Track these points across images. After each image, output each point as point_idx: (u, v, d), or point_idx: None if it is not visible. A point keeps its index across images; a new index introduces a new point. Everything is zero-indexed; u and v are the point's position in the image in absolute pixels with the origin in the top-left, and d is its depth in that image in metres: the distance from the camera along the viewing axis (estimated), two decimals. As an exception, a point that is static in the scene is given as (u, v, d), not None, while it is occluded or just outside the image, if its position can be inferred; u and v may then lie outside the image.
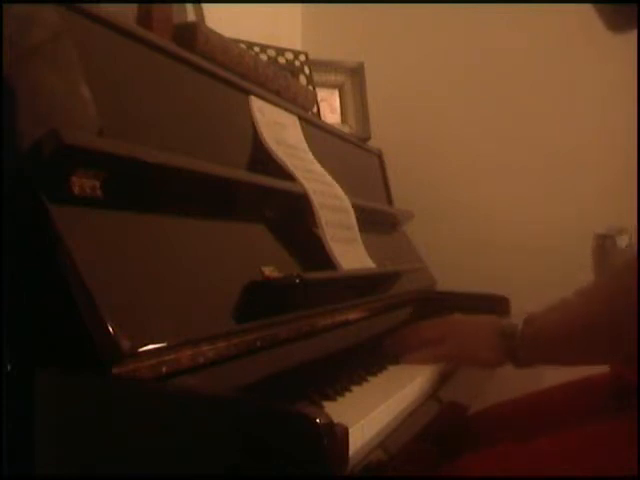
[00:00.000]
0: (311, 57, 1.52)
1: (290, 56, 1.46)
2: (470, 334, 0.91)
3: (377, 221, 1.25)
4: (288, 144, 0.95)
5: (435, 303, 1.27)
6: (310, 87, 1.45)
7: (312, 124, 1.11)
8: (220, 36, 0.95)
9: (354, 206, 0.99)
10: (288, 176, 0.87)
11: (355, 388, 0.73)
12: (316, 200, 0.88)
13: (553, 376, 1.01)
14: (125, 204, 0.59)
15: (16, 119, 0.56)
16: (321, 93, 1.55)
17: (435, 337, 0.91)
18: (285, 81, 1.11)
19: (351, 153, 1.32)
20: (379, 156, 1.48)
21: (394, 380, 0.79)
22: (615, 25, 0.75)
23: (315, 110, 1.41)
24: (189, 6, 1.27)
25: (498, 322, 0.88)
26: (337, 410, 0.60)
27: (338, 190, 0.98)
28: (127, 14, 0.87)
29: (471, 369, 0.97)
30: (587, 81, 1.59)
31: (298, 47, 1.68)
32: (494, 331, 0.85)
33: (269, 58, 1.40)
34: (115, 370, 0.50)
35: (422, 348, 0.90)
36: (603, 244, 1.31)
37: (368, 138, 1.60)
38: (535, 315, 0.82)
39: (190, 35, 0.88)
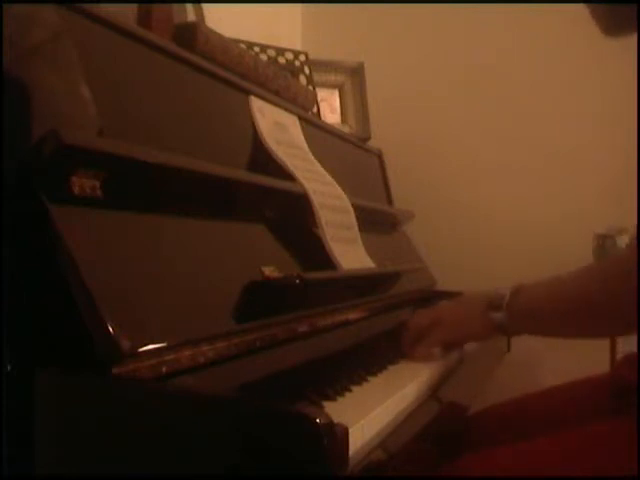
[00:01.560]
0: (311, 57, 1.52)
1: (290, 56, 1.46)
2: (460, 311, 0.92)
3: (377, 221, 1.25)
4: (288, 144, 0.95)
5: (435, 303, 1.27)
6: (310, 87, 1.45)
7: (312, 124, 1.11)
8: (220, 36, 0.95)
9: (354, 206, 0.99)
10: (288, 176, 0.87)
11: (355, 388, 0.73)
12: (316, 200, 0.88)
13: (553, 376, 1.01)
14: (125, 204, 0.59)
15: (16, 119, 0.56)
16: (321, 93, 1.55)
17: (427, 323, 0.91)
18: (285, 81, 1.11)
19: (351, 153, 1.32)
20: (379, 156, 1.48)
21: (394, 380, 0.79)
22: (611, 29, 0.75)
23: (315, 110, 1.41)
24: (189, 6, 1.28)
25: (486, 294, 0.88)
26: (337, 410, 0.60)
27: (338, 190, 0.98)
28: (127, 14, 0.87)
29: (471, 369, 0.97)
30: (587, 81, 1.59)
31: (298, 47, 1.68)
32: (481, 303, 0.86)
33: (269, 58, 1.40)
34: (115, 370, 0.50)
35: (419, 339, 0.91)
36: (603, 244, 1.31)
37: (368, 138, 1.60)
38: (523, 286, 0.84)
39: (190, 35, 0.88)
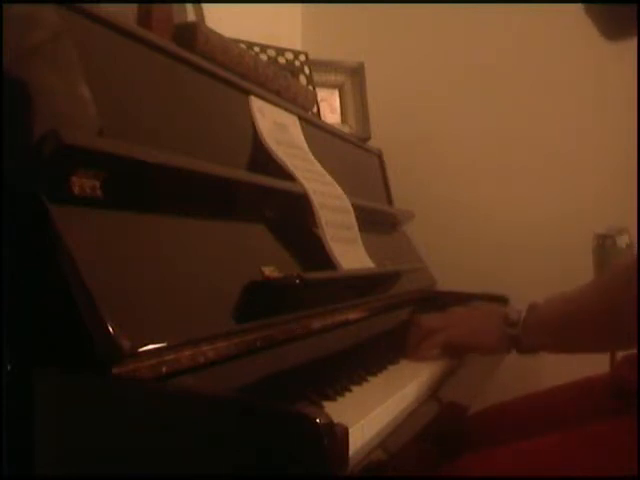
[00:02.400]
0: (311, 57, 1.52)
1: (290, 56, 1.46)
2: (474, 321, 0.92)
3: (377, 221, 1.25)
4: (288, 144, 0.95)
5: (435, 303, 1.27)
6: (310, 87, 1.45)
7: (312, 124, 1.11)
8: (220, 36, 0.95)
9: (354, 206, 0.99)
10: (288, 176, 0.87)
11: (355, 388, 0.73)
12: (316, 200, 0.88)
13: (553, 376, 1.01)
14: (125, 204, 0.59)
15: (16, 119, 0.56)
16: (321, 93, 1.55)
17: (439, 326, 0.92)
18: (285, 81, 1.11)
19: (351, 153, 1.32)
20: (379, 156, 1.48)
21: (394, 380, 0.79)
22: (610, 32, 0.75)
23: (315, 110, 1.41)
24: (189, 6, 1.27)
25: (501, 309, 0.89)
26: (337, 410, 0.60)
27: (338, 190, 0.98)
28: (127, 14, 0.87)
29: (471, 369, 0.97)
30: (587, 81, 1.59)
31: (298, 47, 1.68)
32: (497, 318, 0.87)
33: (269, 58, 1.40)
34: (115, 370, 0.50)
35: (428, 337, 0.91)
36: (603, 244, 1.31)
37: (368, 138, 1.60)
38: (538, 303, 0.85)
39: (190, 35, 0.88)
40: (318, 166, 0.99)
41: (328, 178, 0.99)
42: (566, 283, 0.83)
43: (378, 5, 1.78)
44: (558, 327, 0.82)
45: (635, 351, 0.86)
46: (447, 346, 0.92)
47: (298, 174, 0.88)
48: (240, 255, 0.73)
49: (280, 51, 1.44)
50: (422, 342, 0.91)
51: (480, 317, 0.93)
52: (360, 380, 0.76)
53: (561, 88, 1.62)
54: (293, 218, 0.90)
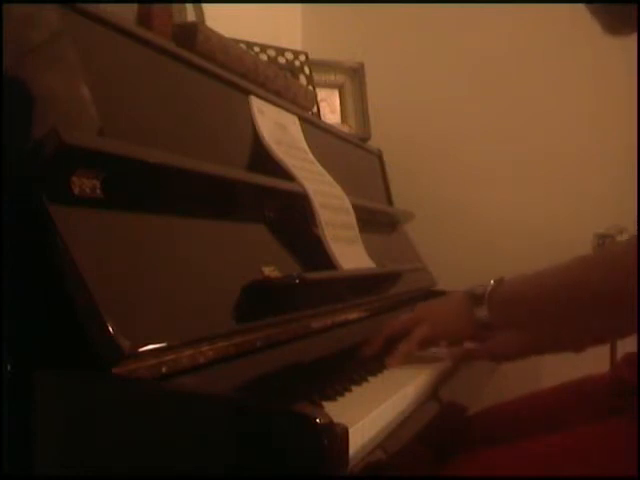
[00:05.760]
0: (311, 57, 1.52)
1: (290, 56, 1.46)
2: (443, 308, 0.88)
3: (377, 221, 1.25)
4: (288, 144, 0.95)
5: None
6: (310, 87, 1.45)
7: (312, 124, 1.11)
8: (220, 36, 0.95)
9: (354, 206, 0.99)
10: (288, 176, 0.87)
11: (355, 388, 0.73)
12: (316, 200, 0.88)
13: (553, 376, 1.01)
14: (125, 204, 0.59)
15: (16, 119, 0.56)
16: (321, 93, 1.55)
17: (407, 325, 0.87)
18: (285, 81, 1.11)
19: (351, 153, 1.32)
20: (379, 156, 1.48)
21: (394, 380, 0.79)
22: (611, 27, 0.75)
23: (315, 110, 1.41)
24: (189, 6, 1.27)
25: (469, 289, 0.85)
26: (337, 410, 0.60)
27: (338, 190, 0.98)
28: (127, 14, 0.87)
29: (471, 369, 0.97)
30: (587, 81, 1.59)
31: (298, 47, 1.68)
32: (465, 298, 0.83)
33: (269, 58, 1.40)
34: (115, 370, 0.50)
35: (400, 338, 0.87)
36: (603, 244, 1.31)
37: (368, 138, 1.60)
38: (506, 279, 0.81)
39: (190, 35, 0.88)
40: (318, 166, 0.99)
41: (328, 178, 0.99)
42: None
43: (378, 5, 1.78)
44: (533, 298, 0.78)
45: (635, 350, 0.86)
46: (422, 344, 0.88)
47: (298, 174, 0.88)
48: (240, 255, 0.73)
49: (280, 51, 1.44)
50: (398, 346, 0.87)
51: (446, 303, 0.89)
52: (360, 380, 0.76)
53: (561, 88, 1.62)
54: (293, 218, 0.90)
